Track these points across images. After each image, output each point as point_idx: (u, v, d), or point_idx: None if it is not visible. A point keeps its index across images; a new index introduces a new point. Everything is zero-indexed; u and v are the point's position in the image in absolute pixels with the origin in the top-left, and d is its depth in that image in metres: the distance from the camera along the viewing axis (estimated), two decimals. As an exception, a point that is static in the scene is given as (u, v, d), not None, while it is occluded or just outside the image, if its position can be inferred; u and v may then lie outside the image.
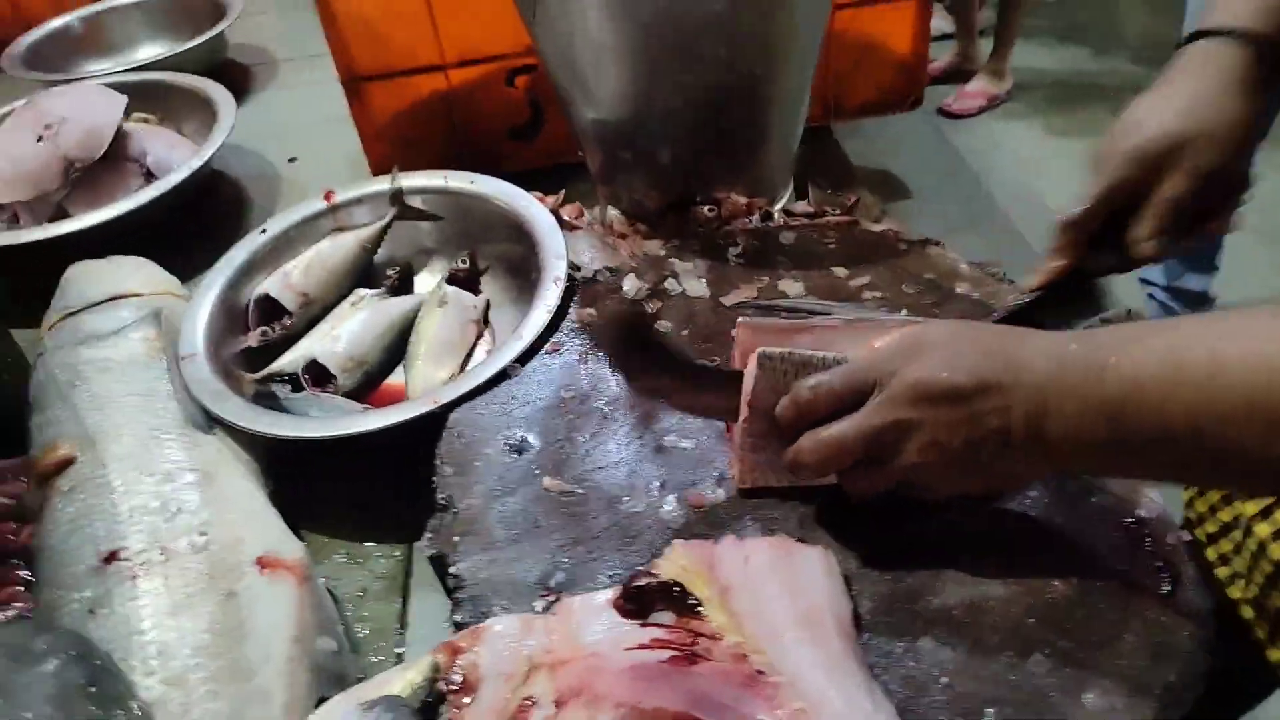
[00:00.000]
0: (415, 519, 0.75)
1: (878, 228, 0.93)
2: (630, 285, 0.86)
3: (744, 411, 0.64)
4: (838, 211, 0.97)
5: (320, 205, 1.00)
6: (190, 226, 1.12)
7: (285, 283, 0.94)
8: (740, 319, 0.70)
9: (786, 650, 0.53)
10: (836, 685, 0.51)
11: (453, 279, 0.97)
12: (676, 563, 0.59)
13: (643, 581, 0.58)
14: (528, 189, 1.01)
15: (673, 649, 0.54)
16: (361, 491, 0.81)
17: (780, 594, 0.57)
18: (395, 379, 0.92)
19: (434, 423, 0.76)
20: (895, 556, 0.62)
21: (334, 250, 0.97)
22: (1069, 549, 0.61)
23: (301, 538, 0.77)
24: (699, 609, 0.56)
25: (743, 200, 0.93)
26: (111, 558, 0.67)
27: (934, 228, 0.90)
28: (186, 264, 0.99)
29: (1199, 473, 0.53)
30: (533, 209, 0.95)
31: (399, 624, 0.72)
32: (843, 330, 0.68)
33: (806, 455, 0.59)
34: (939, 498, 0.58)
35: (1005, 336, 0.55)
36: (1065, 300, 0.68)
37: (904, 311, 0.80)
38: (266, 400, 0.85)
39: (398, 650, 0.70)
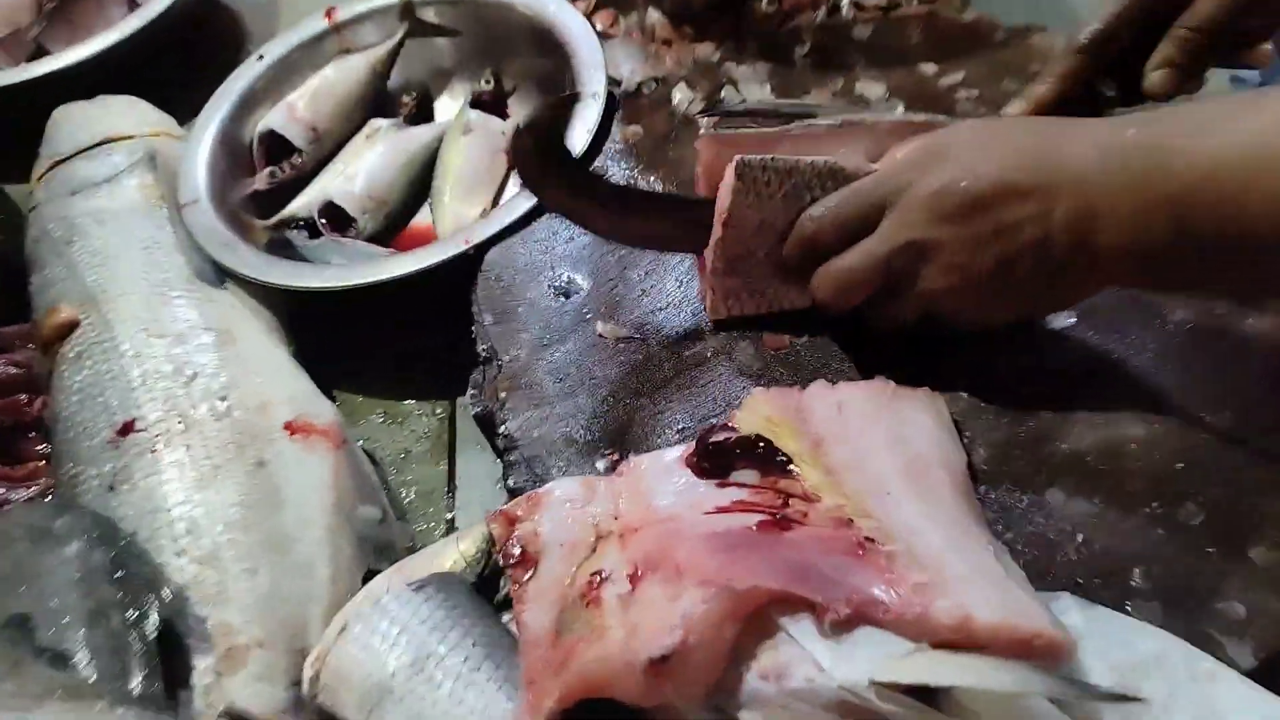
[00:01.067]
0: (456, 372, 0.68)
1: (966, 18, 0.79)
2: (681, 96, 0.75)
3: (717, 231, 0.55)
4: (915, 1, 0.83)
5: (322, 25, 0.88)
6: (182, 61, 1.00)
7: (291, 115, 0.83)
8: (702, 132, 0.60)
9: (895, 510, 0.45)
10: (957, 548, 0.43)
11: (476, 102, 0.86)
12: (758, 413, 0.51)
13: (720, 436, 0.50)
14: (554, -6, 0.88)
15: (761, 512, 0.47)
16: (395, 344, 0.73)
17: (883, 445, 0.49)
18: (422, 219, 0.83)
19: (467, 265, 0.67)
20: (1013, 395, 0.53)
21: (341, 76, 0.86)
22: (1220, 382, 0.52)
23: (333, 399, 0.70)
24: (788, 466, 0.49)
25: (808, -9, 0.80)
26: (127, 429, 0.61)
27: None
28: (181, 102, 0.88)
29: None
30: (563, 15, 0.82)
31: (447, 487, 0.66)
32: (827, 137, 0.58)
33: (821, 293, 0.54)
34: (968, 328, 0.52)
35: (1043, 128, 0.48)
36: None
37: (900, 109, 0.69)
38: (281, 249, 0.76)
39: (448, 515, 0.64)
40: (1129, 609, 0.45)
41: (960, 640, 0.39)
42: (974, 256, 0.48)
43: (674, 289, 0.62)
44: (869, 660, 0.38)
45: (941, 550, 0.43)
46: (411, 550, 0.61)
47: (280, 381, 0.66)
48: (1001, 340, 0.54)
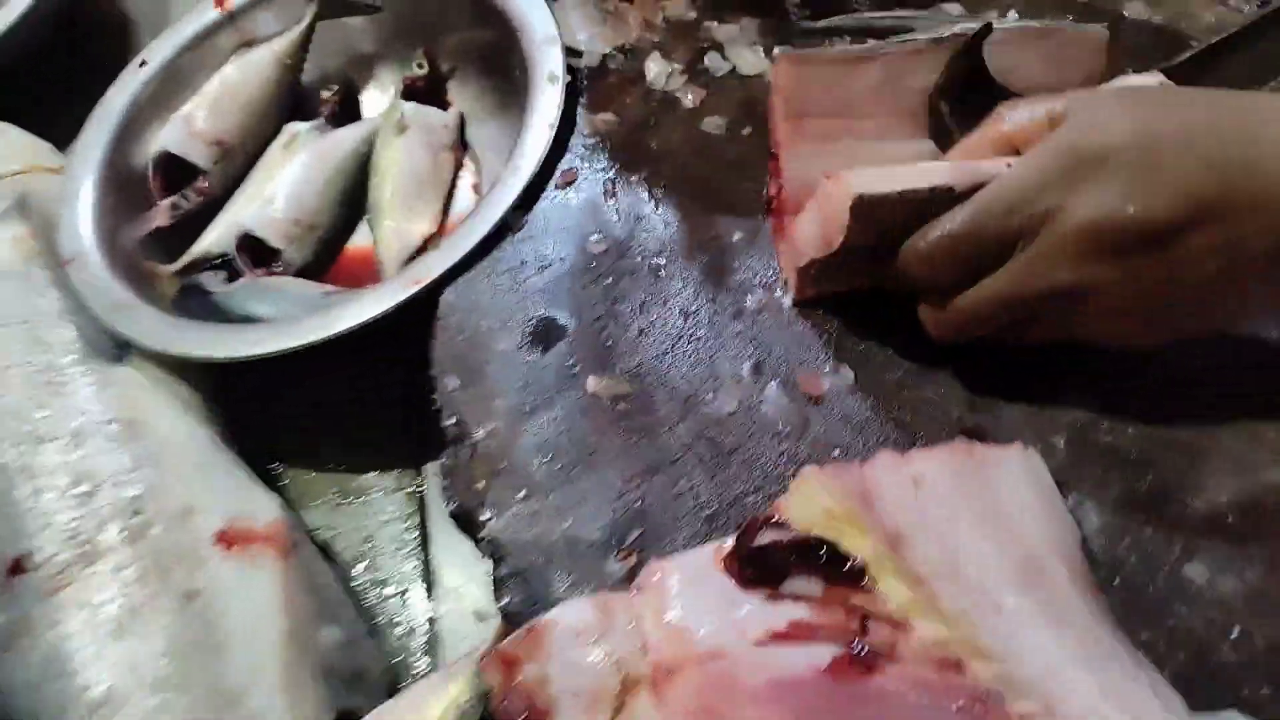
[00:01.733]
0: (425, 432, 0.56)
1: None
2: (656, 69, 0.61)
3: (824, 249, 0.44)
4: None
5: (213, 15, 0.73)
6: (56, 73, 0.85)
7: (188, 131, 0.69)
8: (777, 51, 0.50)
9: (1016, 640, 0.34)
10: (1110, 691, 0.33)
11: (410, 92, 0.72)
12: (812, 500, 0.40)
13: (768, 538, 0.39)
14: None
15: (833, 641, 0.36)
16: (346, 404, 0.61)
17: (981, 536, 0.38)
18: (361, 238, 0.70)
19: (424, 306, 0.55)
20: (1122, 434, 0.42)
21: (245, 75, 0.72)
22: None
23: (278, 483, 0.59)
24: (860, 574, 0.38)
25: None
26: (18, 568, 0.49)
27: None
28: (59, 123, 0.73)
29: None
30: (501, -24, 0.68)
31: (424, 583, 0.55)
32: (926, 54, 0.49)
33: (934, 331, 0.45)
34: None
35: (1228, 111, 0.37)
36: None
37: (1013, 15, 0.57)
38: (194, 299, 0.64)
39: (429, 617, 0.53)
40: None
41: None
42: (1146, 294, 0.38)
43: (677, 321, 0.51)
44: None
45: (1096, 700, 0.32)
46: (390, 679, 0.50)
47: (205, 479, 0.54)
48: (1101, 361, 0.43)
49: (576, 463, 0.47)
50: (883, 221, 0.42)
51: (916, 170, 0.42)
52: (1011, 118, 0.42)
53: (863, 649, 0.36)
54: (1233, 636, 0.37)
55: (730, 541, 0.40)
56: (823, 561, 0.38)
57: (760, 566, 0.39)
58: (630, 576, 0.43)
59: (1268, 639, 0.37)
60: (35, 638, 0.47)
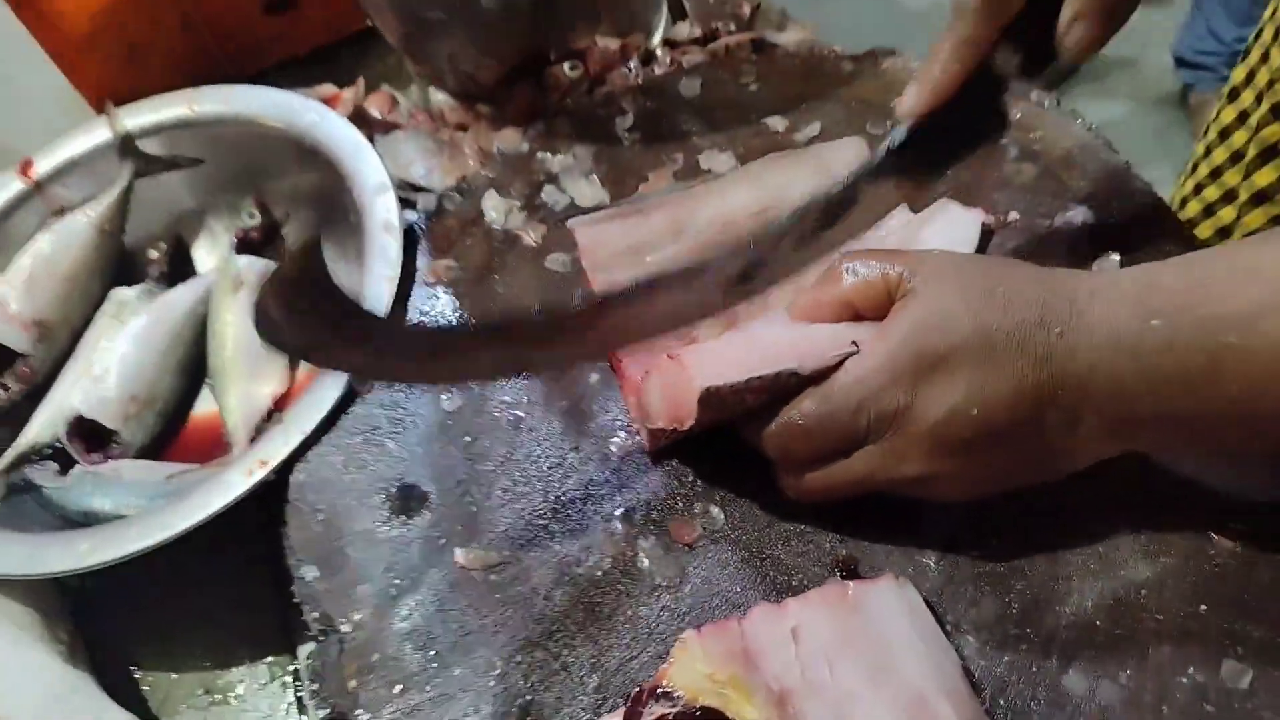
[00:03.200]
0: (290, 615, 0.53)
1: (791, 41, 0.68)
2: (494, 206, 0.61)
3: (673, 423, 0.45)
4: (733, 28, 0.72)
5: (17, 185, 0.69)
6: None
7: (2, 315, 0.65)
8: (570, 223, 0.56)
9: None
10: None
11: (243, 244, 0.69)
12: (693, 668, 0.39)
13: (656, 712, 0.38)
14: (310, 84, 0.72)
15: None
16: (203, 597, 0.57)
17: (864, 684, 0.37)
18: (205, 404, 0.66)
19: (273, 487, 0.52)
20: (988, 551, 0.43)
21: (60, 247, 0.67)
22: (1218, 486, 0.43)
23: (137, 690, 0.54)
24: (752, 745, 0.37)
25: (613, 44, 0.67)
26: None
27: (851, 26, 0.66)
28: None
29: None
30: (325, 124, 0.66)
31: (308, 781, 0.51)
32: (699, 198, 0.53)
33: (796, 494, 0.45)
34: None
35: (1055, 305, 0.38)
36: (963, 123, 0.44)
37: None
38: (25, 497, 0.59)
39: (318, 822, 0.50)
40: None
41: None
42: (990, 474, 0.41)
43: (542, 476, 0.49)
44: None
45: None
46: None
47: (50, 708, 0.49)
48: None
49: (452, 646, 0.45)
50: (732, 406, 0.43)
51: (760, 353, 0.43)
52: (849, 279, 0.43)
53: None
54: (1118, 745, 0.38)
55: (619, 717, 0.39)
56: (713, 734, 0.37)
57: (651, 744, 0.38)
58: (522, 768, 0.41)
59: (1150, 744, 0.38)
60: None
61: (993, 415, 0.38)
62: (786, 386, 0.42)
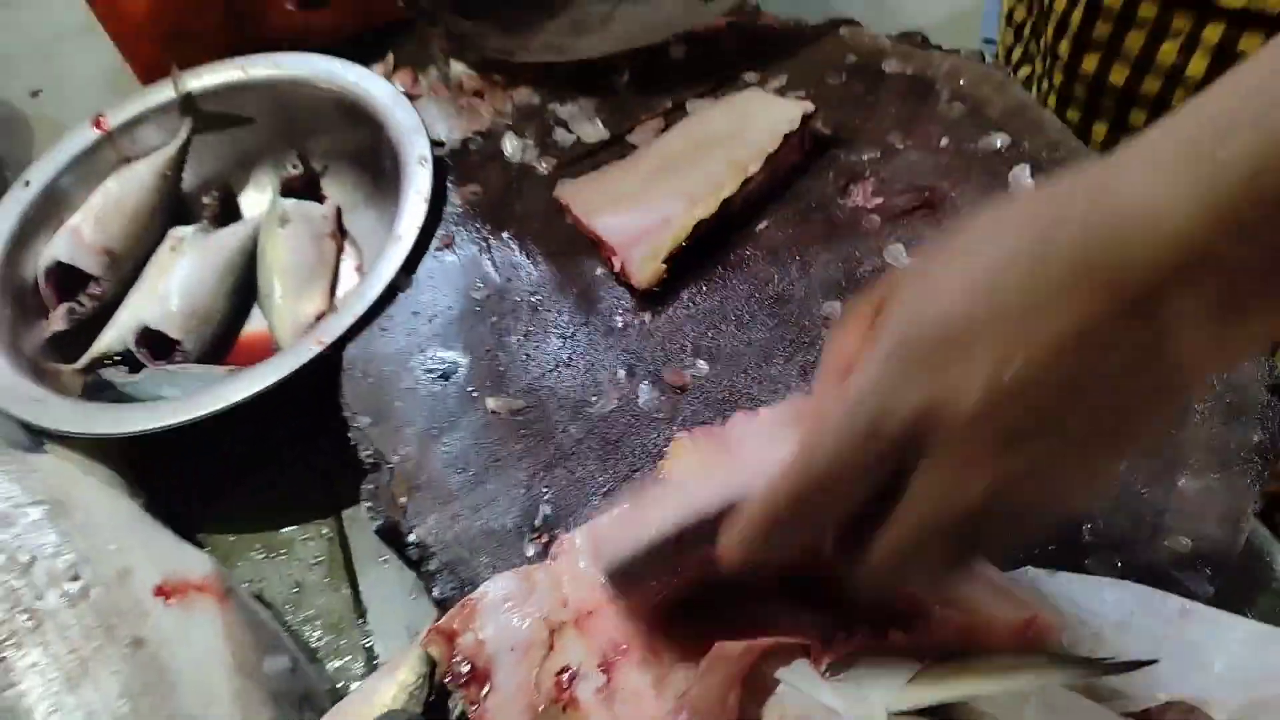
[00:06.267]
0: (334, 484, 0.63)
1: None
2: (512, 146, 0.71)
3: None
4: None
5: (92, 135, 0.79)
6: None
7: (77, 241, 0.74)
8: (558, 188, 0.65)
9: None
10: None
11: (287, 189, 0.79)
12: (687, 459, 0.49)
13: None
14: (346, 62, 0.83)
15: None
16: (258, 469, 0.66)
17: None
18: (255, 326, 0.76)
19: (325, 367, 0.61)
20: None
21: (127, 188, 0.77)
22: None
23: (202, 547, 0.62)
24: (734, 508, 0.46)
25: (612, 19, 0.78)
26: (-40, 643, 0.51)
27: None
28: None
29: None
30: (364, 82, 0.77)
31: (355, 614, 0.60)
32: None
33: (885, 576, 0.34)
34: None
35: (1055, 198, 0.30)
36: None
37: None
38: (100, 392, 0.67)
39: (364, 644, 0.58)
40: (1089, 567, 0.45)
41: (960, 645, 0.38)
42: (1080, 453, 0.30)
43: (558, 346, 0.59)
44: (881, 692, 0.37)
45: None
46: (336, 694, 0.54)
47: (137, 543, 0.57)
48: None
49: (485, 469, 0.54)
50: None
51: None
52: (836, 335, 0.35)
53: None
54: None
55: (626, 505, 0.48)
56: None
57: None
58: (544, 553, 0.50)
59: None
60: (-12, 704, 0.50)
61: (1042, 358, 0.28)
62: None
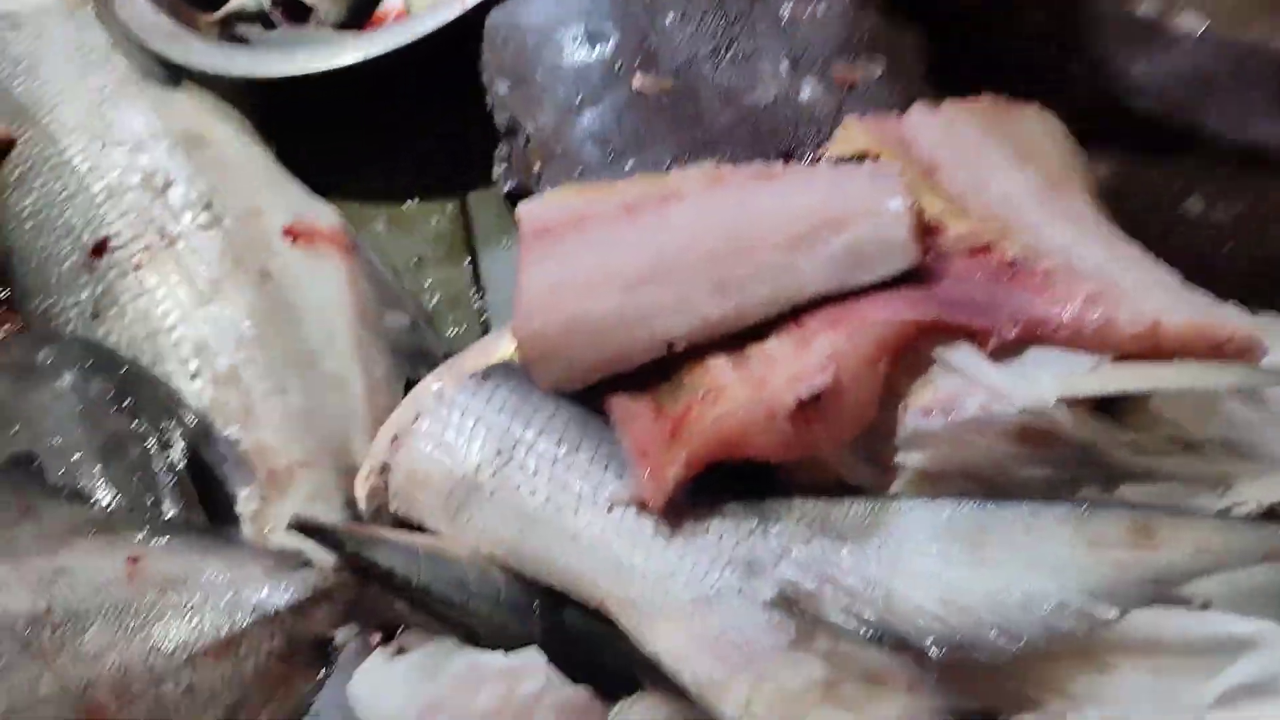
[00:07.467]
0: (461, 164, 0.60)
1: None
2: None
3: None
4: None
5: None
6: None
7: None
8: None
9: (1038, 228, 0.39)
10: (1121, 260, 0.38)
11: None
12: (853, 144, 0.44)
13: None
14: None
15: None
16: (386, 140, 0.64)
17: (1005, 162, 0.42)
18: (392, 2, 0.72)
19: (466, 34, 0.58)
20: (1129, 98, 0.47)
21: None
22: None
23: (328, 209, 0.62)
24: (898, 196, 0.42)
25: None
26: (100, 249, 0.52)
27: None
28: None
29: None
30: None
31: (474, 287, 0.59)
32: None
33: None
34: None
35: None
36: None
37: None
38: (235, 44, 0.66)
39: (481, 317, 0.58)
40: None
41: (1145, 351, 0.34)
42: None
43: (718, 28, 0.54)
44: (1052, 379, 0.33)
45: (1106, 261, 0.37)
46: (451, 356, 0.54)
47: (269, 185, 0.57)
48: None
49: (625, 147, 0.51)
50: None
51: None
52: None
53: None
54: (1226, 250, 0.42)
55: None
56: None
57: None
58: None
59: (1259, 250, 0.42)
60: (122, 307, 0.51)
61: None
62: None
